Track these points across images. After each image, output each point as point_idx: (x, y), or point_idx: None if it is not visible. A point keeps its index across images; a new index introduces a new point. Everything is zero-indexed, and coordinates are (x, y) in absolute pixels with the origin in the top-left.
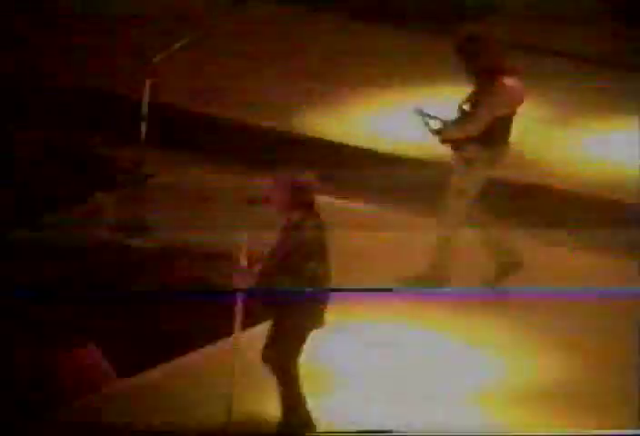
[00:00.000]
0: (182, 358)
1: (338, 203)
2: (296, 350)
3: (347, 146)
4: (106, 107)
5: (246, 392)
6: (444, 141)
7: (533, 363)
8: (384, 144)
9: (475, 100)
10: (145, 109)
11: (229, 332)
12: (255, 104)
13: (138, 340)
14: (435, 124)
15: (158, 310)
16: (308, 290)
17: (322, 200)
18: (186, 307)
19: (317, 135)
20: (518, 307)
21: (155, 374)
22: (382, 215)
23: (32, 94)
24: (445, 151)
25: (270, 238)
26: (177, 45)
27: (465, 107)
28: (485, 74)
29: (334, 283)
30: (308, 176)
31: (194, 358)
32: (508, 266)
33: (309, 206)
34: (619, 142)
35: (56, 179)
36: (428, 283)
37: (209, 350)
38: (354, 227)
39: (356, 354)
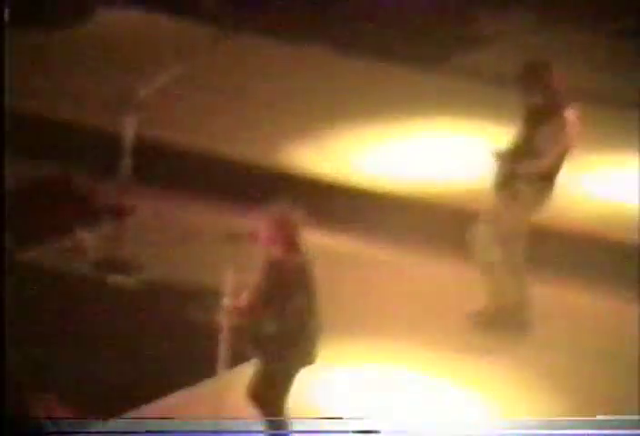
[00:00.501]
0: (166, 398)
1: (323, 238)
2: (286, 389)
3: (333, 181)
4: (89, 141)
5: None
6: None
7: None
8: (370, 180)
9: (544, 132)
10: (128, 143)
11: (214, 372)
12: (241, 139)
13: (123, 380)
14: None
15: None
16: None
17: (307, 235)
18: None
19: (303, 170)
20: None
21: (139, 414)
22: (367, 252)
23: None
24: (431, 187)
25: (254, 274)
26: (162, 79)
27: (539, 139)
28: (553, 105)
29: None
30: (295, 213)
31: (178, 398)
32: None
33: (294, 243)
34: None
35: (37, 213)
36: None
37: (194, 390)
38: (339, 263)
39: (348, 393)
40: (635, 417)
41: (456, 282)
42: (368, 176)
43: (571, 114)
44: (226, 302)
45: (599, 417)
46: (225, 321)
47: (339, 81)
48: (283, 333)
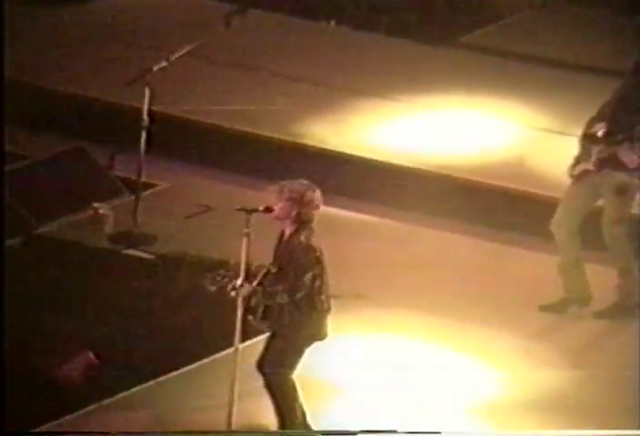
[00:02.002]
0: (182, 369)
1: (338, 211)
2: (294, 362)
3: (348, 156)
4: (105, 116)
5: (246, 403)
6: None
7: (534, 376)
8: (385, 154)
9: None
10: (144, 118)
11: (229, 344)
12: (256, 114)
13: (138, 350)
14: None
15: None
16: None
17: (322, 211)
18: (185, 319)
19: (318, 145)
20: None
21: (155, 384)
22: (382, 225)
23: (31, 99)
24: (444, 161)
25: (268, 248)
26: (177, 55)
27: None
28: None
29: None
30: (312, 190)
31: (194, 369)
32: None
33: (307, 220)
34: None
35: (54, 187)
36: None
37: (209, 361)
38: (352, 237)
39: (356, 366)
40: None
41: (469, 255)
42: (383, 151)
43: None
44: (239, 278)
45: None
46: (238, 294)
47: (354, 57)
48: (294, 308)
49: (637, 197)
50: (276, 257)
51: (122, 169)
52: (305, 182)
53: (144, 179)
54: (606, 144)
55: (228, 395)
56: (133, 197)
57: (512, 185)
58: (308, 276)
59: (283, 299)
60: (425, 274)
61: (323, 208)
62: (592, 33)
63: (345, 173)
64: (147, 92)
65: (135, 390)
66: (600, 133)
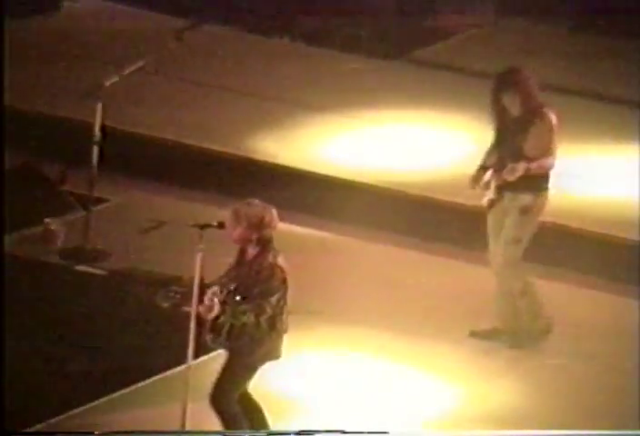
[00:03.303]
0: (134, 385)
1: (291, 229)
2: (245, 380)
3: (299, 171)
4: (57, 131)
5: (197, 420)
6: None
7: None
8: (336, 170)
9: (525, 136)
10: (97, 133)
11: (182, 361)
12: (208, 129)
13: (90, 366)
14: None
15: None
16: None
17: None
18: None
19: (269, 160)
20: None
21: (106, 401)
22: (333, 240)
23: None
24: (393, 176)
25: (222, 264)
26: (129, 70)
27: (525, 147)
28: (534, 110)
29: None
30: (269, 213)
31: (146, 385)
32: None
33: (268, 241)
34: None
35: (6, 202)
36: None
37: (161, 377)
38: (303, 253)
39: (312, 383)
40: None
41: (424, 268)
42: (334, 166)
43: (552, 116)
44: (195, 289)
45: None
46: (194, 311)
47: (306, 71)
48: (255, 328)
49: (538, 219)
50: (238, 276)
51: (74, 184)
52: (257, 202)
53: (96, 194)
54: (497, 171)
55: (180, 412)
56: (85, 213)
57: (465, 201)
58: (275, 297)
59: (249, 319)
60: (379, 290)
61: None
62: (541, 49)
63: (296, 189)
64: (99, 107)
65: (86, 407)
66: (489, 163)
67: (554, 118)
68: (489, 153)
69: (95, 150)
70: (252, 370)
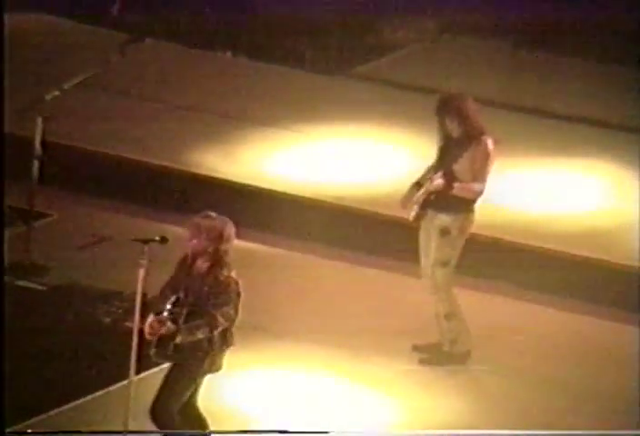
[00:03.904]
0: (75, 401)
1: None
2: (186, 393)
3: (241, 185)
4: None
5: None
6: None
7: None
8: (278, 184)
9: (458, 159)
10: (37, 147)
11: (124, 376)
12: (150, 143)
13: (29, 381)
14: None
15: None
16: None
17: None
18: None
19: (211, 174)
20: None
21: (46, 418)
22: (273, 254)
23: None
24: (338, 192)
25: (164, 278)
26: (70, 83)
27: (456, 168)
28: (472, 135)
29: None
30: (229, 227)
31: (87, 401)
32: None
33: (225, 255)
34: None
35: None
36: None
37: (103, 393)
38: (246, 267)
39: (256, 398)
40: None
41: (368, 282)
42: (276, 180)
43: (489, 143)
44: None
45: None
46: (136, 326)
47: (249, 86)
48: (207, 343)
49: (462, 240)
50: (188, 289)
51: (14, 199)
52: (215, 215)
53: (36, 209)
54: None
55: (122, 428)
56: (25, 227)
57: (407, 216)
58: (231, 311)
59: (204, 333)
60: (324, 305)
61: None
62: (486, 65)
63: (239, 203)
64: (39, 121)
65: (26, 423)
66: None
67: (490, 145)
68: (427, 172)
69: (36, 164)
70: (193, 382)
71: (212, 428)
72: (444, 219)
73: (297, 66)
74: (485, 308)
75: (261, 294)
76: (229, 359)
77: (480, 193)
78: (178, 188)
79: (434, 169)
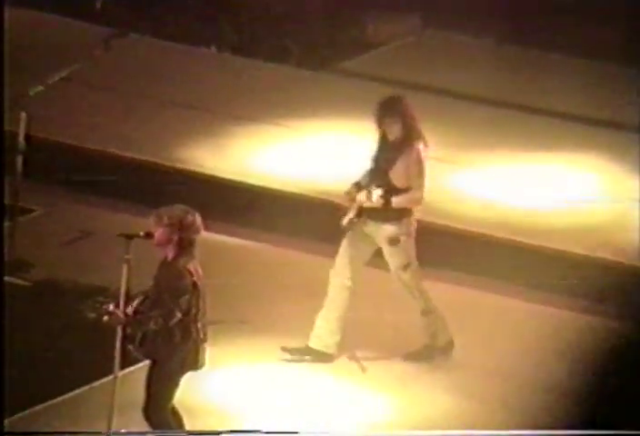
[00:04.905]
0: (60, 397)
1: (220, 239)
2: (170, 392)
3: (228, 181)
4: None
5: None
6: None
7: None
8: (266, 180)
9: (395, 165)
10: (21, 142)
11: (109, 371)
12: (137, 138)
13: (14, 377)
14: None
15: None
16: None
17: (201, 236)
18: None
19: (198, 170)
20: None
21: (31, 413)
22: (260, 251)
23: None
24: (326, 187)
25: (150, 274)
26: (54, 78)
27: (392, 174)
28: (410, 138)
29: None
30: (191, 215)
31: (72, 397)
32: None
33: (188, 245)
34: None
35: None
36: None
37: (87, 389)
38: (234, 263)
39: (242, 393)
40: None
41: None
42: (264, 176)
43: (421, 150)
44: (112, 304)
45: None
46: (114, 321)
47: (235, 81)
48: (168, 336)
49: (412, 241)
50: (155, 283)
51: None
52: (182, 206)
53: (20, 204)
54: (367, 195)
55: (106, 424)
56: (9, 223)
57: None
58: (183, 300)
59: (157, 324)
60: (307, 300)
61: (204, 234)
62: (470, 60)
63: (225, 198)
64: (23, 116)
65: (10, 419)
66: (357, 185)
67: (422, 152)
68: (366, 174)
69: (20, 159)
70: (173, 380)
71: (194, 426)
72: (389, 229)
73: (283, 62)
74: (477, 304)
75: (245, 289)
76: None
77: (419, 200)
78: (164, 183)
79: (371, 173)
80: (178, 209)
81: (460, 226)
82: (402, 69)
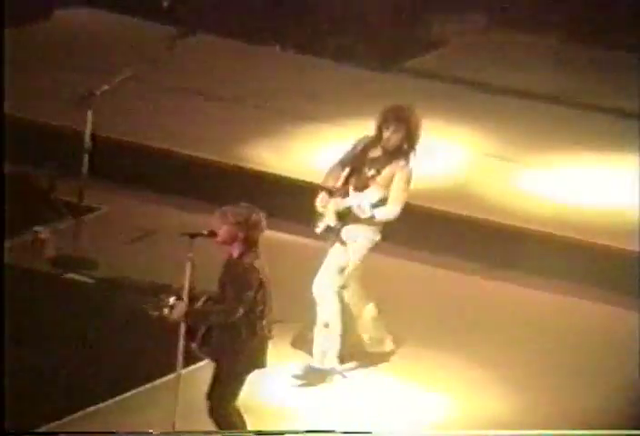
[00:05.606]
0: (123, 394)
1: (282, 237)
2: (236, 390)
3: (290, 180)
4: (47, 139)
5: (188, 429)
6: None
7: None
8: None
9: (378, 175)
10: (87, 141)
11: (172, 369)
12: (199, 138)
13: (78, 375)
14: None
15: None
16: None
17: (266, 235)
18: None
19: (260, 168)
20: None
21: (95, 411)
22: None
23: None
24: None
25: (212, 272)
26: (119, 78)
27: (380, 181)
28: (404, 150)
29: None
30: (256, 213)
31: (136, 394)
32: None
33: (253, 243)
34: (561, 178)
35: None
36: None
37: (151, 386)
38: (297, 261)
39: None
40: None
41: (424, 279)
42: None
43: (410, 165)
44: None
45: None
46: (175, 313)
47: (298, 81)
48: (234, 333)
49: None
50: (221, 283)
51: (64, 193)
52: (247, 205)
53: (85, 203)
54: (341, 196)
55: (170, 423)
56: (74, 221)
57: (455, 210)
58: (247, 296)
59: (219, 319)
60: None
61: (266, 232)
62: (534, 59)
63: (288, 197)
64: (90, 115)
65: (74, 416)
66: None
67: (411, 167)
68: (337, 176)
69: (86, 158)
70: (239, 379)
71: (253, 426)
72: (371, 236)
73: (347, 61)
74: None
75: (310, 288)
76: None
77: (395, 216)
78: (226, 181)
79: (349, 177)
80: (244, 208)
81: (526, 226)
82: (466, 68)
